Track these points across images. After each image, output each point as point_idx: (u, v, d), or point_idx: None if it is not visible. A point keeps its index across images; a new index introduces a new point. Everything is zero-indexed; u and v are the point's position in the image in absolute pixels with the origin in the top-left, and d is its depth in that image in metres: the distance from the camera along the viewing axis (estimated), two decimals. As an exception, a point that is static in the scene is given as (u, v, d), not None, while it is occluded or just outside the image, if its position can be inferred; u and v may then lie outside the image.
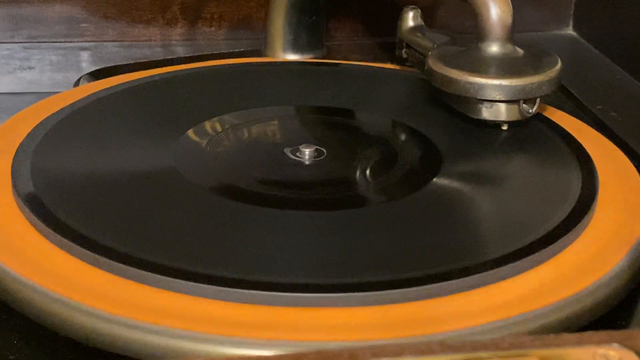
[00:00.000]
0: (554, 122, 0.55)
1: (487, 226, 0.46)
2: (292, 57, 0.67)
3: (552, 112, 0.57)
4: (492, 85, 0.51)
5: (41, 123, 0.52)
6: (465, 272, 0.40)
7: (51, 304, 0.39)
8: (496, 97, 0.51)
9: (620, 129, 0.60)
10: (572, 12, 0.78)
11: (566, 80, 0.66)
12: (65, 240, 0.42)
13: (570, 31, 0.79)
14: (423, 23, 0.62)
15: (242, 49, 0.72)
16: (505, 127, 0.53)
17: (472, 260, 0.41)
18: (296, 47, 0.68)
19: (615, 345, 0.30)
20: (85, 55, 0.72)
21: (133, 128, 0.53)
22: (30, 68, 0.70)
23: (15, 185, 0.46)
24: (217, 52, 0.71)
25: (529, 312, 0.39)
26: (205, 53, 0.71)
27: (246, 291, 0.39)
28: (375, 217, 0.46)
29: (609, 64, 0.71)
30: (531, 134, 0.53)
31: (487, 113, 0.52)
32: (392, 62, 0.64)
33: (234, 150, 0.53)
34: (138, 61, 0.69)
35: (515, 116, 0.52)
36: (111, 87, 0.58)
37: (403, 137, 0.55)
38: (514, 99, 0.52)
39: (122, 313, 0.38)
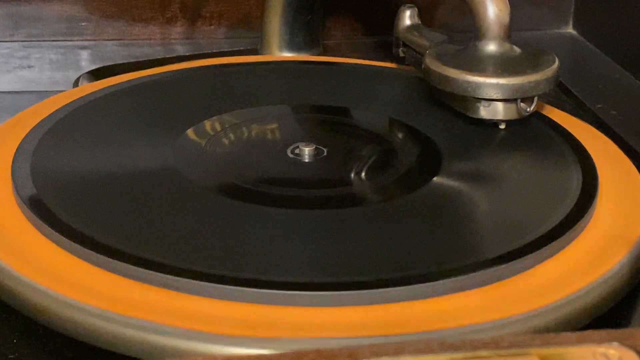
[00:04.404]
0: (554, 121, 0.55)
1: (486, 225, 0.46)
2: (288, 55, 0.67)
3: (552, 110, 0.57)
4: (490, 84, 0.51)
5: (41, 123, 0.52)
6: (465, 270, 0.40)
7: (51, 303, 0.39)
8: (493, 95, 0.51)
9: (620, 128, 0.60)
10: (572, 11, 0.78)
11: (566, 79, 0.66)
12: (65, 240, 0.42)
13: (570, 30, 0.79)
14: (420, 22, 0.62)
15: (242, 48, 0.72)
16: (502, 126, 0.53)
17: (471, 259, 0.41)
18: (292, 46, 0.68)
19: (615, 344, 0.30)
20: (84, 54, 0.72)
21: (133, 127, 0.53)
22: (29, 67, 0.70)
23: (15, 185, 0.46)
24: (217, 50, 0.71)
25: (529, 310, 0.39)
26: (205, 52, 0.71)
27: (245, 289, 0.39)
28: (376, 216, 0.46)
29: (609, 62, 0.71)
30: (531, 132, 0.53)
31: (484, 112, 0.52)
32: (390, 61, 0.64)
33: (233, 149, 0.53)
34: (138, 60, 0.69)
35: (512, 115, 0.52)
36: (111, 87, 0.58)
37: (402, 136, 0.55)
38: (511, 97, 0.51)
39: (122, 312, 0.38)
